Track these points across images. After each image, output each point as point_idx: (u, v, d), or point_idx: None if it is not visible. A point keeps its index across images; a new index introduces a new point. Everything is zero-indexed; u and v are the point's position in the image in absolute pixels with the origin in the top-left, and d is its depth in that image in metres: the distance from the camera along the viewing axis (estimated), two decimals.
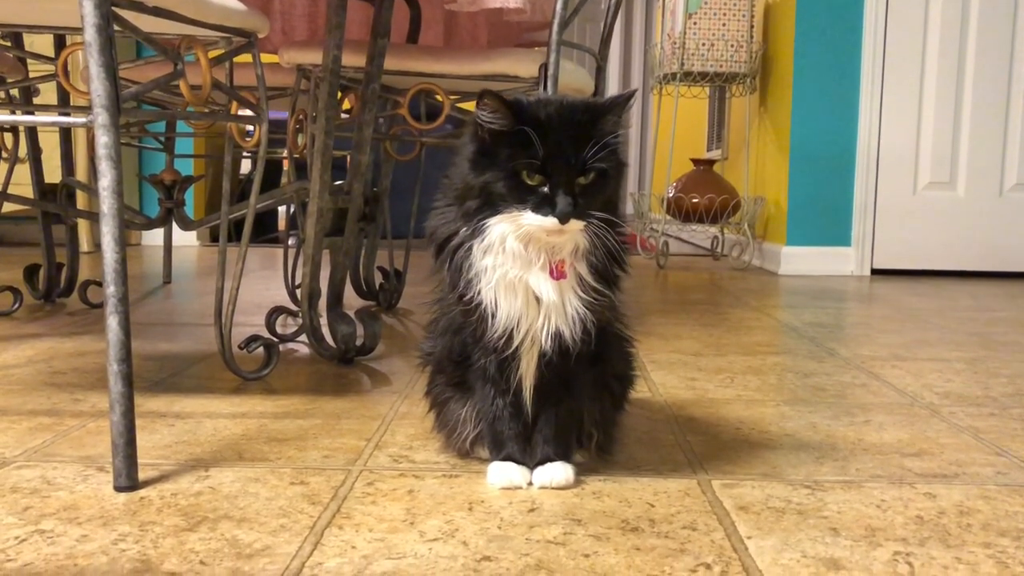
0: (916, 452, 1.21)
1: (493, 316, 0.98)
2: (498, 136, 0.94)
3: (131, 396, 1.02)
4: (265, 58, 2.26)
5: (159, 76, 1.16)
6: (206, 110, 1.61)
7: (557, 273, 0.97)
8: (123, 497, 0.98)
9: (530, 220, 0.93)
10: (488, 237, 0.96)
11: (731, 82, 4.10)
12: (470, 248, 0.97)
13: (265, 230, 5.06)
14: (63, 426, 1.26)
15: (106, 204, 1.01)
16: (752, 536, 0.90)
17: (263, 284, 2.96)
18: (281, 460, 1.12)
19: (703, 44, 3.91)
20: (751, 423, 1.35)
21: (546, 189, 0.93)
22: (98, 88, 1.00)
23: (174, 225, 2.52)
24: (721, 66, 3.93)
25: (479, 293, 0.98)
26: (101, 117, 1.00)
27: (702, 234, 4.81)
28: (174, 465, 1.10)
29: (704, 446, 1.22)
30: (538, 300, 0.98)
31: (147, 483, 1.03)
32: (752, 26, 3.92)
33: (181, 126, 2.92)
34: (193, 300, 2.66)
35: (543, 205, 0.93)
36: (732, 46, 3.91)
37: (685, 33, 3.91)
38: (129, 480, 1.01)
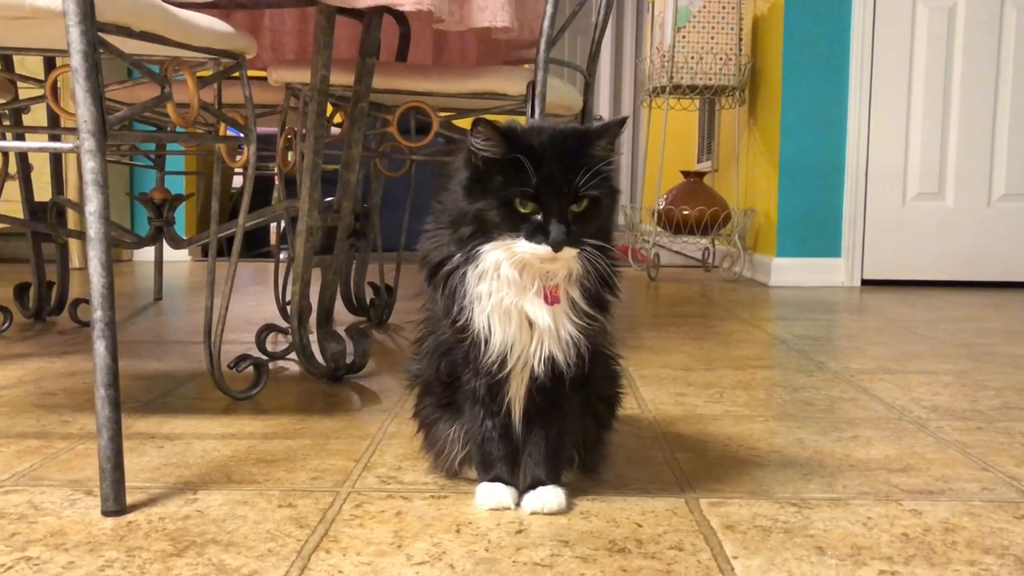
0: (903, 468, 1.21)
1: (487, 341, 0.98)
2: (491, 163, 0.95)
3: (119, 420, 1.02)
4: (255, 74, 2.28)
5: (146, 100, 1.17)
6: (195, 130, 1.61)
7: (551, 298, 0.98)
8: (111, 522, 0.98)
9: (524, 248, 0.94)
10: (482, 263, 0.97)
11: (720, 95, 4.12)
12: (464, 274, 0.98)
13: (258, 244, 5.06)
14: (51, 449, 1.26)
15: (93, 229, 1.02)
16: (738, 556, 0.90)
17: (254, 300, 2.96)
18: (270, 482, 1.13)
19: (692, 57, 3.94)
20: (739, 439, 1.35)
21: (539, 217, 0.94)
22: (84, 114, 1.00)
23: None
24: (710, 79, 3.96)
25: (473, 319, 0.98)
26: (88, 143, 1.01)
27: (693, 246, 4.83)
28: (162, 488, 1.10)
29: (692, 463, 1.22)
30: (531, 325, 0.99)
31: (135, 507, 1.03)
32: (740, 39, 3.95)
33: (172, 144, 2.93)
34: (184, 317, 2.66)
35: (536, 233, 0.93)
36: (721, 59, 3.94)
37: (674, 46, 3.93)
38: (117, 505, 1.01)
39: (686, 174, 4.22)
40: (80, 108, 1.00)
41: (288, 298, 2.04)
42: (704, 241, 4.21)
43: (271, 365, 1.82)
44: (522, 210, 0.94)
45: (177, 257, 4.41)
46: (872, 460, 1.25)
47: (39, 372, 1.80)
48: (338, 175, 1.78)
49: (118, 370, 1.02)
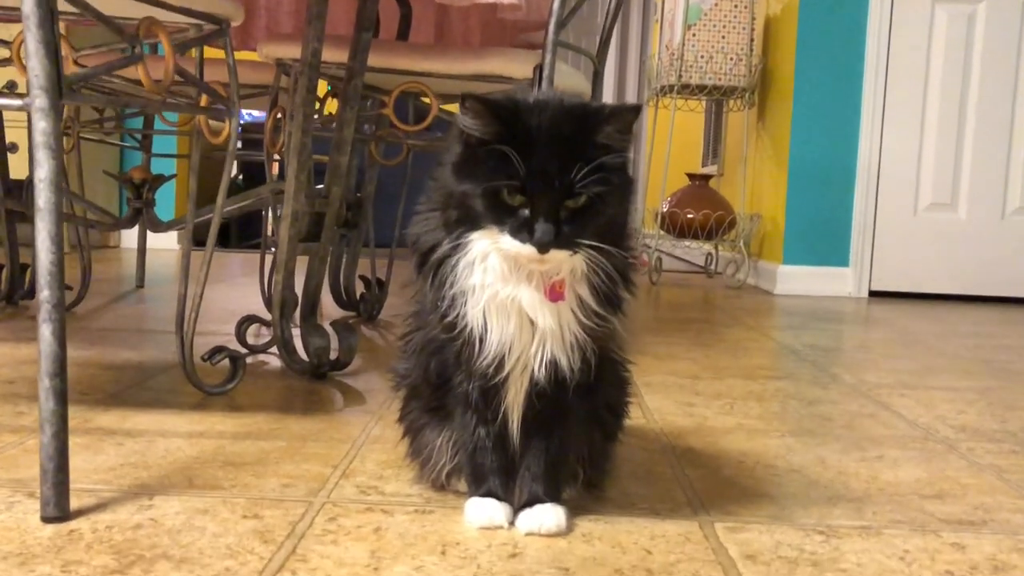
0: (936, 493, 1.10)
1: (482, 340, 0.87)
2: (482, 144, 0.82)
3: (64, 415, 0.90)
4: (249, 56, 2.16)
5: (112, 60, 1.05)
6: (177, 102, 1.49)
7: (554, 294, 0.86)
8: (50, 529, 0.87)
9: (507, 245, 0.82)
10: (470, 252, 0.85)
11: (729, 96, 4.01)
12: (456, 263, 0.86)
13: (252, 234, 4.93)
14: None
15: (43, 198, 0.90)
16: None
17: (241, 291, 2.84)
18: (236, 488, 1.01)
19: (702, 56, 3.83)
20: (755, 456, 1.24)
21: (527, 212, 0.81)
22: (35, 67, 0.88)
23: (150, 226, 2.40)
24: (719, 79, 3.85)
25: (465, 315, 0.86)
26: (39, 100, 0.89)
27: (696, 251, 4.72)
28: (115, 491, 0.98)
29: (704, 482, 1.11)
30: (532, 323, 0.87)
31: (81, 512, 0.91)
32: (752, 39, 3.84)
33: (160, 124, 2.81)
34: (164, 305, 2.54)
35: (521, 230, 0.81)
36: (731, 59, 3.83)
37: (684, 45, 3.82)
38: (58, 510, 0.89)
39: (691, 176, 4.12)
40: (31, 60, 0.88)
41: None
42: (707, 246, 4.10)
43: (250, 359, 1.70)
44: (509, 202, 0.82)
45: (164, 244, 4.29)
46: (902, 483, 1.13)
47: (2, 358, 1.68)
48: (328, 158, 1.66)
49: (66, 358, 0.91)
